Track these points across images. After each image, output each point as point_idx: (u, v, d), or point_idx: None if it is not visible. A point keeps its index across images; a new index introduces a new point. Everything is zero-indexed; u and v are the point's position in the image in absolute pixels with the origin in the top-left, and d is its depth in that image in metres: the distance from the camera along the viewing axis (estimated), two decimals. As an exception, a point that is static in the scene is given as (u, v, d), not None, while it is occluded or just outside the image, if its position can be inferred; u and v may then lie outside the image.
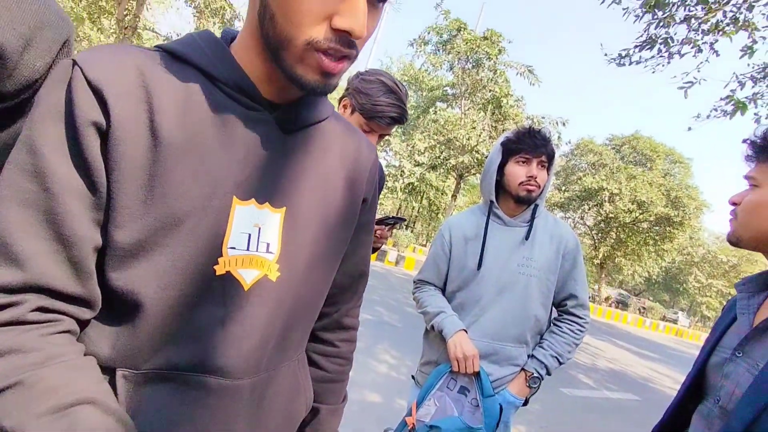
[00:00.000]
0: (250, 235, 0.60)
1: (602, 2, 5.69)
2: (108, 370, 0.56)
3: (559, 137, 17.28)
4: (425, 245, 31.82)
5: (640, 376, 8.63)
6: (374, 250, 1.79)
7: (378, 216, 1.72)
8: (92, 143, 0.50)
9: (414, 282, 1.89)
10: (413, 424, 1.56)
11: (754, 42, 5.44)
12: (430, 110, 20.18)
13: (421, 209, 29.64)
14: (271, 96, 0.63)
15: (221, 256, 0.58)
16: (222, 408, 0.60)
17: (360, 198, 0.76)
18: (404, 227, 25.60)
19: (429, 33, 18.77)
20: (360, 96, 1.52)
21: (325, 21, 0.54)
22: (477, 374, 1.59)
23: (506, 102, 17.56)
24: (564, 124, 17.19)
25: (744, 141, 1.00)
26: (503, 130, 17.93)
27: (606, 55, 6.55)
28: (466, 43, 17.25)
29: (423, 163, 20.16)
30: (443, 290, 1.80)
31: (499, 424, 1.55)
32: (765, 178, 0.93)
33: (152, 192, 0.53)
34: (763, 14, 5.43)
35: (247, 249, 0.60)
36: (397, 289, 10.48)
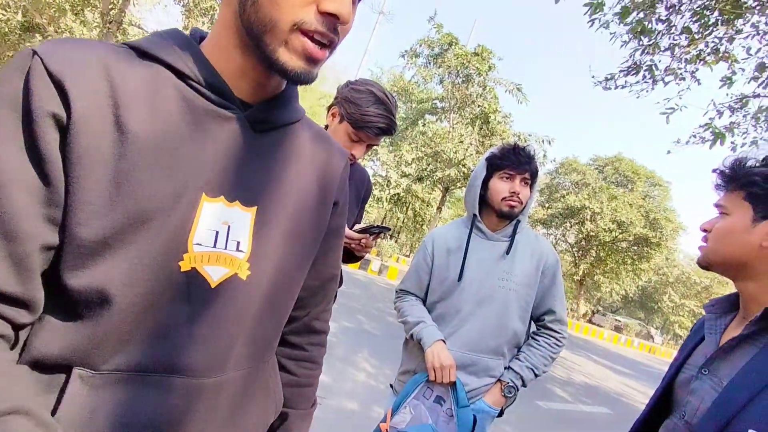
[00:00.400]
0: (217, 232, 0.59)
1: (591, 26, 5.84)
2: (63, 369, 0.53)
3: (544, 155, 17.55)
4: (409, 255, 31.84)
5: (613, 390, 8.74)
6: (358, 259, 1.77)
7: (363, 225, 1.73)
8: (49, 136, 0.48)
9: (396, 291, 1.91)
10: (386, 430, 1.58)
11: (734, 73, 5.65)
12: (419, 122, 20.35)
13: (406, 220, 29.74)
14: (243, 94, 0.62)
15: (186, 251, 0.56)
16: (185, 408, 0.58)
17: (330, 202, 0.76)
18: (389, 237, 25.59)
19: (421, 46, 18.96)
20: (349, 105, 1.51)
21: (312, 4, 0.55)
22: (453, 384, 1.60)
23: (494, 118, 17.82)
24: (550, 143, 17.49)
25: (714, 171, 1.04)
26: (490, 146, 18.15)
27: (593, 77, 6.72)
28: (457, 57, 17.48)
29: (410, 175, 20.28)
30: (424, 300, 1.82)
31: (473, 433, 1.57)
32: (733, 206, 0.97)
33: (119, 189, 0.51)
34: (743, 47, 5.65)
35: (214, 246, 0.59)
36: (378, 298, 10.47)
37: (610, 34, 6.10)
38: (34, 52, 0.49)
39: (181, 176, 0.55)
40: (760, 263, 0.93)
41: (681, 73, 5.99)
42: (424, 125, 20.08)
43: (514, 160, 1.69)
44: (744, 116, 5.78)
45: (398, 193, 21.36)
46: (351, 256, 1.76)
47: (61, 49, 0.50)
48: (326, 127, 1.66)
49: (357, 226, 1.76)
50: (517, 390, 1.66)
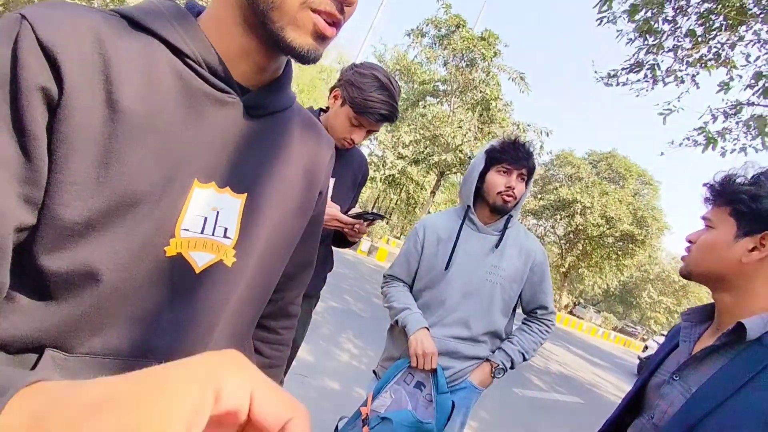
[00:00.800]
0: (206, 218, 0.58)
1: (599, 24, 5.81)
2: (34, 350, 0.51)
3: (541, 147, 17.57)
4: (399, 238, 31.99)
5: (587, 381, 8.98)
6: (350, 243, 1.78)
7: (358, 210, 1.73)
8: (36, 111, 0.45)
9: (384, 276, 1.92)
10: (367, 413, 1.63)
11: (731, 79, 5.70)
12: (420, 103, 20.18)
13: (399, 202, 29.72)
14: (241, 78, 0.60)
15: (173, 237, 0.55)
16: None
17: (316, 192, 0.76)
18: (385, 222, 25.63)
19: (427, 25, 18.69)
20: (352, 89, 1.50)
21: None
22: (434, 371, 1.65)
23: (495, 105, 17.72)
24: (548, 135, 17.49)
25: (704, 185, 1.06)
26: (489, 133, 18.11)
27: (596, 72, 6.72)
28: (463, 40, 17.26)
29: (406, 157, 20.17)
30: (411, 287, 1.84)
31: (450, 418, 1.63)
32: (719, 220, 1.00)
33: (107, 170, 0.48)
34: (743, 53, 5.68)
35: (202, 232, 0.58)
36: (367, 279, 10.54)
37: (617, 31, 6.09)
38: (23, 17, 0.45)
39: (174, 160, 0.53)
40: (738, 278, 0.96)
41: (681, 76, 6.02)
42: (424, 107, 19.91)
43: (513, 155, 1.69)
44: (736, 123, 5.86)
45: (393, 175, 21.26)
46: (343, 240, 1.77)
47: (53, 16, 0.46)
48: (327, 108, 1.65)
49: (352, 211, 1.75)
50: (506, 371, 1.72)
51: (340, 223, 1.59)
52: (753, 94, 5.53)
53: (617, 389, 9.39)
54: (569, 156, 31.42)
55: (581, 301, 40.71)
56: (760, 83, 5.38)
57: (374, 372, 1.89)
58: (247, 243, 0.63)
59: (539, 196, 29.12)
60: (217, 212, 0.59)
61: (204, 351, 0.59)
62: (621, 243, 28.00)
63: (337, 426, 1.76)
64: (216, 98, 0.57)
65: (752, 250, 0.94)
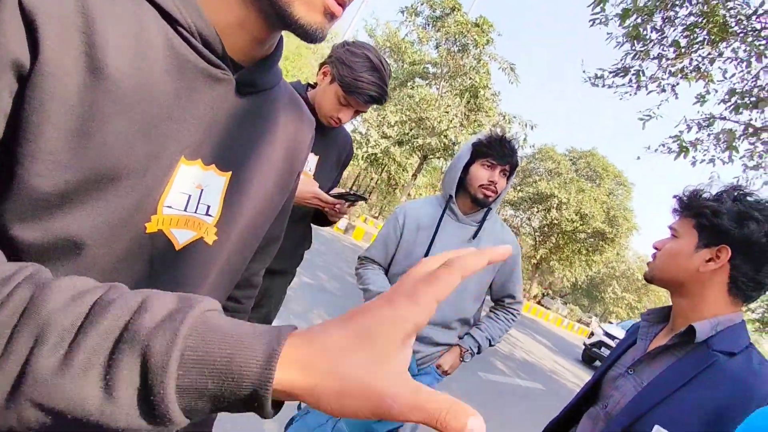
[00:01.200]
0: (190, 196, 0.56)
1: (592, 25, 5.92)
2: None
3: (525, 139, 17.78)
4: (377, 218, 32.02)
5: (548, 368, 9.33)
6: (331, 222, 1.78)
7: (340, 190, 1.71)
8: (2, 82, 0.41)
9: (359, 258, 1.91)
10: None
11: (708, 92, 5.95)
12: (408, 84, 20.04)
13: (379, 181, 29.68)
14: (235, 53, 0.57)
15: (155, 214, 0.53)
16: None
17: (296, 172, 0.75)
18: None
19: (422, 4, 18.48)
20: (343, 67, 1.46)
21: None
22: (406, 354, 1.76)
23: (483, 94, 17.78)
24: (532, 128, 17.71)
25: (674, 196, 1.13)
26: (475, 121, 18.20)
27: (584, 72, 6.85)
28: (457, 24, 17.16)
29: (390, 137, 20.09)
30: (386, 271, 1.85)
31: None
32: (684, 231, 1.07)
33: (88, 140, 0.45)
34: (721, 69, 5.93)
35: (185, 210, 0.56)
36: (341, 257, 10.42)
37: (608, 33, 6.23)
38: None
39: (161, 135, 0.51)
40: (694, 285, 1.04)
41: (663, 84, 6.23)
42: (412, 88, 19.79)
43: (498, 151, 1.73)
44: (708, 135, 6.14)
45: (375, 154, 21.18)
46: (323, 218, 1.77)
47: None
48: (315, 84, 1.63)
49: (334, 191, 1.73)
50: (473, 356, 1.81)
51: (321, 202, 1.56)
52: (725, 109, 5.78)
53: (576, 377, 9.82)
54: (551, 151, 31.94)
55: (550, 292, 41.94)
56: (733, 99, 5.63)
57: None
58: (228, 221, 0.62)
59: (518, 187, 29.58)
60: (201, 190, 0.58)
61: None
62: (592, 239, 28.82)
63: (299, 404, 1.79)
64: (209, 73, 0.54)
65: (709, 260, 1.02)
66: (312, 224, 1.85)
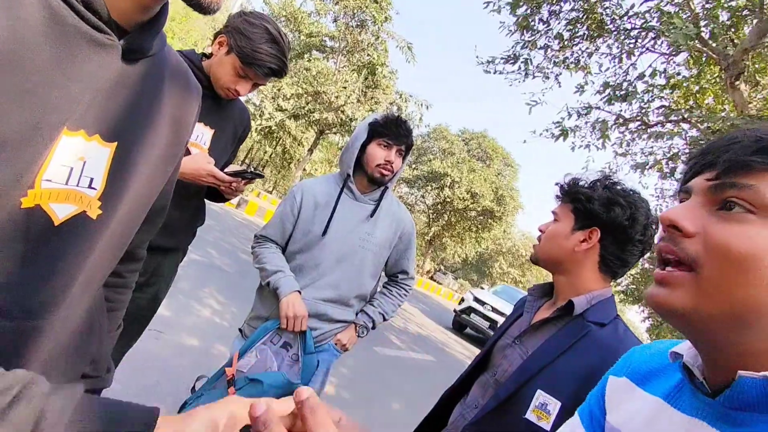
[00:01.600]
0: (72, 168, 0.54)
1: (485, 7, 6.15)
2: None
3: (420, 119, 18.30)
4: (271, 192, 31.08)
5: (439, 341, 9.91)
6: (225, 199, 1.73)
7: (237, 168, 1.65)
8: None
9: (256, 237, 1.89)
10: (233, 374, 1.58)
11: (586, 83, 6.61)
12: (305, 56, 19.45)
13: (273, 155, 28.68)
14: (118, 17, 0.55)
15: (32, 188, 0.51)
16: (16, 351, 0.55)
17: (184, 142, 0.74)
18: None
19: (320, -25, 17.89)
20: (241, 38, 1.44)
21: None
22: (303, 333, 1.68)
23: (381, 71, 17.89)
24: (427, 108, 18.26)
25: (556, 183, 1.24)
26: (372, 98, 18.27)
27: (477, 57, 7.19)
28: (356, -1, 16.94)
29: (286, 110, 19.40)
30: (284, 249, 1.85)
31: (313, 376, 1.68)
32: (563, 215, 1.18)
33: None
34: (597, 62, 6.68)
35: (66, 183, 0.54)
36: (234, 233, 10.07)
37: (500, 22, 6.58)
38: None
39: (41, 105, 0.48)
40: (570, 264, 1.15)
41: (548, 73, 6.78)
42: (309, 60, 19.24)
43: (395, 132, 1.76)
44: (585, 123, 6.86)
45: (270, 126, 20.33)
46: (218, 195, 1.70)
47: None
48: (211, 55, 1.57)
49: (230, 168, 1.68)
50: (368, 331, 1.86)
51: (217, 180, 1.52)
52: (600, 100, 6.49)
53: (465, 349, 10.54)
54: (445, 131, 33.52)
55: (442, 267, 44.53)
56: (607, 91, 6.34)
57: (240, 330, 1.87)
58: (113, 194, 0.60)
59: (414, 165, 30.66)
60: (84, 162, 0.55)
61: (62, 305, 0.60)
62: (482, 217, 31.01)
63: (194, 386, 1.70)
64: (92, 38, 0.51)
65: (582, 241, 1.13)
66: (206, 200, 1.77)
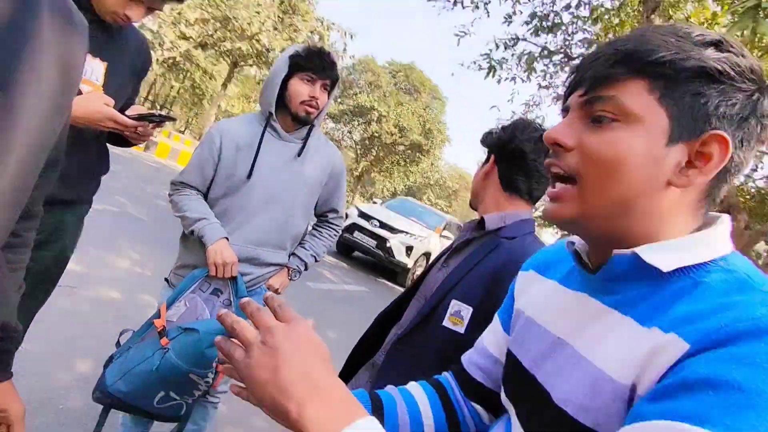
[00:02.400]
0: None
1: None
2: None
3: (344, 49, 17.52)
4: (183, 132, 28.90)
5: (372, 273, 10.18)
6: (131, 144, 1.56)
7: (142, 111, 1.47)
8: None
9: (172, 183, 1.76)
10: (163, 325, 1.51)
11: (514, 13, 6.59)
12: (211, -25, 17.45)
13: (182, 90, 26.34)
14: None
15: None
16: None
17: (74, 85, 0.68)
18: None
19: None
20: None
21: None
22: (234, 278, 1.64)
23: (299, -6, 16.60)
24: (351, 37, 17.47)
25: (484, 133, 1.37)
26: (290, 25, 17.06)
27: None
28: None
29: (190, 38, 17.55)
30: (205, 195, 1.74)
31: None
32: (485, 160, 1.33)
33: None
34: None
35: None
36: (146, 179, 9.36)
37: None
38: None
39: None
40: (481, 190, 1.31)
41: (477, 2, 6.67)
42: (216, -20, 17.30)
43: (318, 65, 1.66)
44: (512, 55, 6.93)
45: (174, 58, 18.42)
46: (122, 139, 1.53)
47: None
48: None
49: (134, 110, 1.49)
50: (300, 274, 1.87)
51: (119, 125, 1.34)
52: (527, 31, 6.53)
53: (392, 277, 10.88)
54: (371, 63, 32.46)
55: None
56: (533, 22, 6.37)
57: (166, 280, 1.79)
58: (2, 151, 0.56)
59: (339, 100, 29.73)
60: None
61: None
62: (410, 151, 31.21)
63: (118, 340, 1.61)
64: None
65: (485, 169, 1.30)
66: (109, 144, 1.59)
